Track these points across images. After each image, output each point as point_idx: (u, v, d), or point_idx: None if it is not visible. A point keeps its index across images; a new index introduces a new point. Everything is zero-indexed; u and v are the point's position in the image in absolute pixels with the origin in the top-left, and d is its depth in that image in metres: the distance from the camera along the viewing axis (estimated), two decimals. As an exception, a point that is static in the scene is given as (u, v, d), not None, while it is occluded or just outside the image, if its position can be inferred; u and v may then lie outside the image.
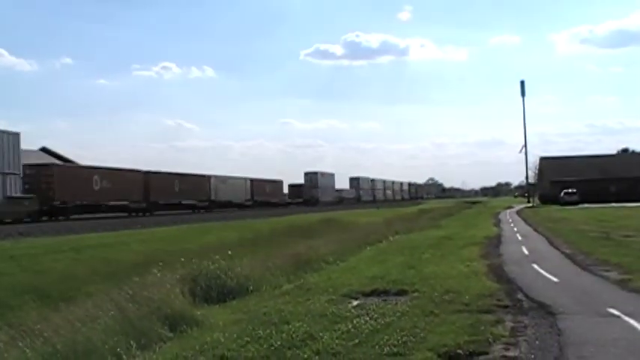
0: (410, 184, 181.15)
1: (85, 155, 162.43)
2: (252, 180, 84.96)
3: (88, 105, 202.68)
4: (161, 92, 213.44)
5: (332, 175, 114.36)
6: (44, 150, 73.10)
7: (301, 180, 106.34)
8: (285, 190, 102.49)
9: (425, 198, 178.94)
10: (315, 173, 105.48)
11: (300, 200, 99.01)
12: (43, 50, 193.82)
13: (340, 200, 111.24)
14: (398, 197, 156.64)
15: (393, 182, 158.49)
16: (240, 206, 76.56)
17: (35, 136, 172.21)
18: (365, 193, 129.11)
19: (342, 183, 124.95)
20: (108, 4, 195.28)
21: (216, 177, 74.22)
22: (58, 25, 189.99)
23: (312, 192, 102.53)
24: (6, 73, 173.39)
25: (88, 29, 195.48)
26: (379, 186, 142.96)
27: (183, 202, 65.05)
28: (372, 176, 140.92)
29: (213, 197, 71.77)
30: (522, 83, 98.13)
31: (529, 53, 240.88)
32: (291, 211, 65.55)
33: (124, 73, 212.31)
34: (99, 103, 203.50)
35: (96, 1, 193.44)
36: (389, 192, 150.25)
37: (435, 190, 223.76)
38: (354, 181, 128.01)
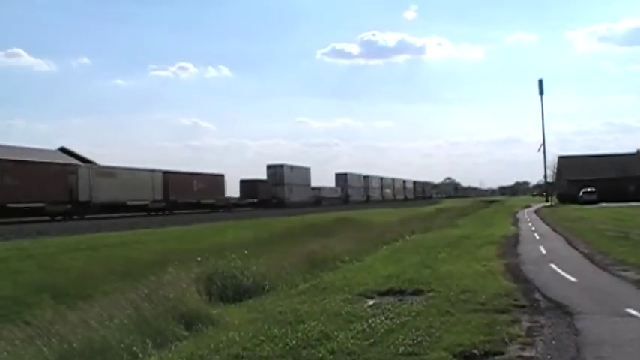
0: (415, 183, 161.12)
1: (102, 154, 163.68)
2: (166, 173, 59.61)
3: (105, 105, 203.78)
4: (177, 92, 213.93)
5: (305, 170, 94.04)
6: (63, 150, 73.57)
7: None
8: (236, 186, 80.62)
9: (434, 198, 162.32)
10: (281, 166, 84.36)
11: (255, 201, 76.32)
12: (61, 50, 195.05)
13: (317, 201, 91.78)
14: (400, 197, 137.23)
15: (393, 180, 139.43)
16: (146, 210, 53.70)
17: (53, 136, 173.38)
18: (355, 193, 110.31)
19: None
20: (125, 3, 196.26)
21: (92, 168, 51.42)
22: (75, 25, 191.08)
23: (274, 190, 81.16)
24: (25, 74, 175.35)
25: (106, 29, 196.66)
26: (375, 184, 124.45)
27: (10, 204, 39.96)
28: (368, 173, 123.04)
29: (84, 197, 46.98)
30: (540, 82, 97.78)
31: (546, 51, 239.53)
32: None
33: (140, 73, 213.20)
34: (115, 103, 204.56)
35: (113, 0, 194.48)
36: (388, 191, 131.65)
37: (449, 189, 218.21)
38: (341, 178, 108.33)
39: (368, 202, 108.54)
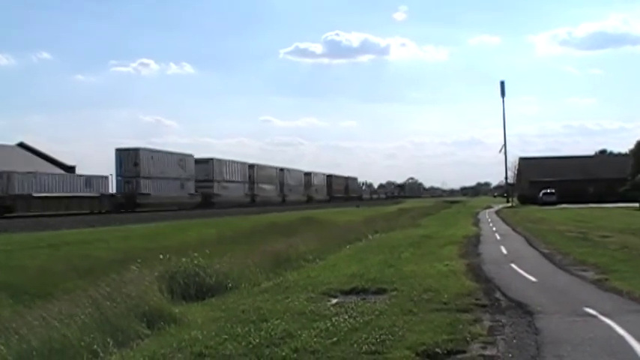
0: (331, 177, 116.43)
1: (62, 151, 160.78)
2: None
3: (65, 100, 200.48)
4: (139, 88, 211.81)
5: None
6: (22, 145, 72.31)
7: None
8: None
9: (366, 200, 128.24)
10: None
11: None
12: (20, 44, 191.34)
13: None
14: (296, 198, 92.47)
15: (282, 170, 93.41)
16: None
17: (11, 131, 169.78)
18: (168, 187, 62.25)
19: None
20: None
21: None
22: (35, 19, 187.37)
23: None
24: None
25: (66, 23, 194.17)
26: (232, 175, 75.65)
27: None
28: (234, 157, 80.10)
29: None
30: (502, 84, 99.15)
31: (508, 54, 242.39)
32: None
33: (101, 69, 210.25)
34: (76, 99, 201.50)
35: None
36: (267, 188, 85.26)
37: (389, 188, 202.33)
38: (127, 158, 58.41)
39: (210, 205, 64.32)
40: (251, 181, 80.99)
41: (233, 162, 77.71)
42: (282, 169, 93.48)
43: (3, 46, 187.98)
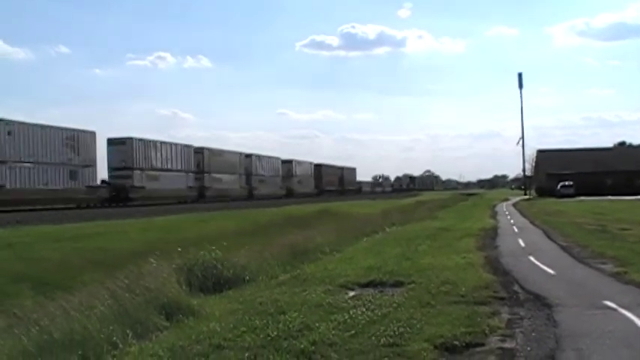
0: (320, 166, 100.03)
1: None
2: None
3: (83, 94, 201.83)
4: (156, 82, 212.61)
5: None
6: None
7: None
8: None
9: (367, 193, 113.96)
10: None
11: None
12: (39, 39, 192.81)
13: None
14: (270, 190, 78.39)
15: (249, 157, 76.65)
16: None
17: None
18: (59, 180, 44.86)
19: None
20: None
21: None
22: (53, 13, 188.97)
23: None
24: (0, 62, 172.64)
25: (84, 17, 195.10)
26: (166, 161, 58.21)
27: None
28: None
29: None
30: (520, 75, 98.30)
31: (526, 45, 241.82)
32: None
33: (118, 63, 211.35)
34: (94, 92, 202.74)
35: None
36: (227, 179, 69.43)
37: (404, 180, 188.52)
38: None
39: (125, 201, 50.15)
40: (199, 170, 64.18)
41: (168, 144, 59.94)
42: (248, 156, 75.78)
43: (22, 40, 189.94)
